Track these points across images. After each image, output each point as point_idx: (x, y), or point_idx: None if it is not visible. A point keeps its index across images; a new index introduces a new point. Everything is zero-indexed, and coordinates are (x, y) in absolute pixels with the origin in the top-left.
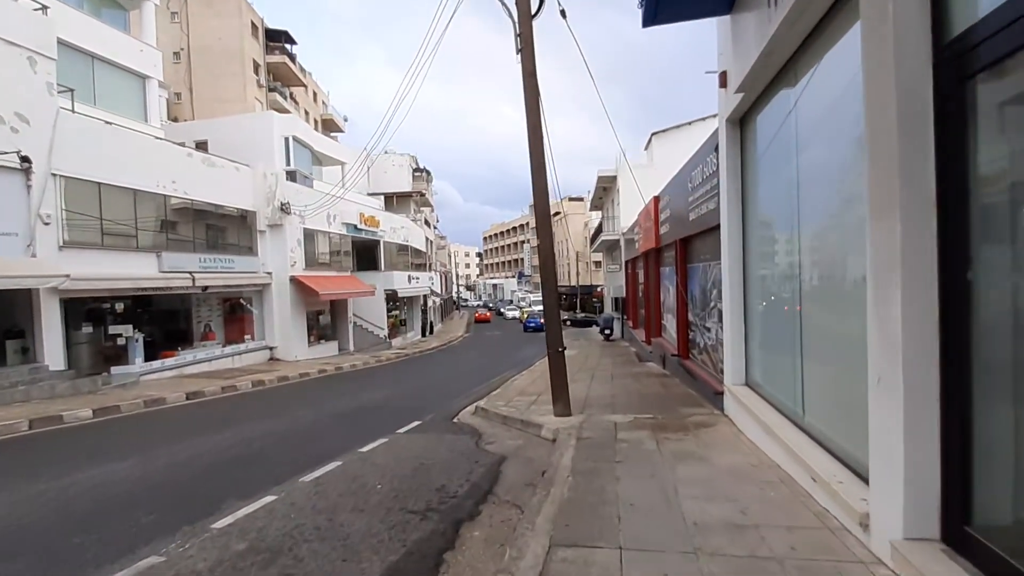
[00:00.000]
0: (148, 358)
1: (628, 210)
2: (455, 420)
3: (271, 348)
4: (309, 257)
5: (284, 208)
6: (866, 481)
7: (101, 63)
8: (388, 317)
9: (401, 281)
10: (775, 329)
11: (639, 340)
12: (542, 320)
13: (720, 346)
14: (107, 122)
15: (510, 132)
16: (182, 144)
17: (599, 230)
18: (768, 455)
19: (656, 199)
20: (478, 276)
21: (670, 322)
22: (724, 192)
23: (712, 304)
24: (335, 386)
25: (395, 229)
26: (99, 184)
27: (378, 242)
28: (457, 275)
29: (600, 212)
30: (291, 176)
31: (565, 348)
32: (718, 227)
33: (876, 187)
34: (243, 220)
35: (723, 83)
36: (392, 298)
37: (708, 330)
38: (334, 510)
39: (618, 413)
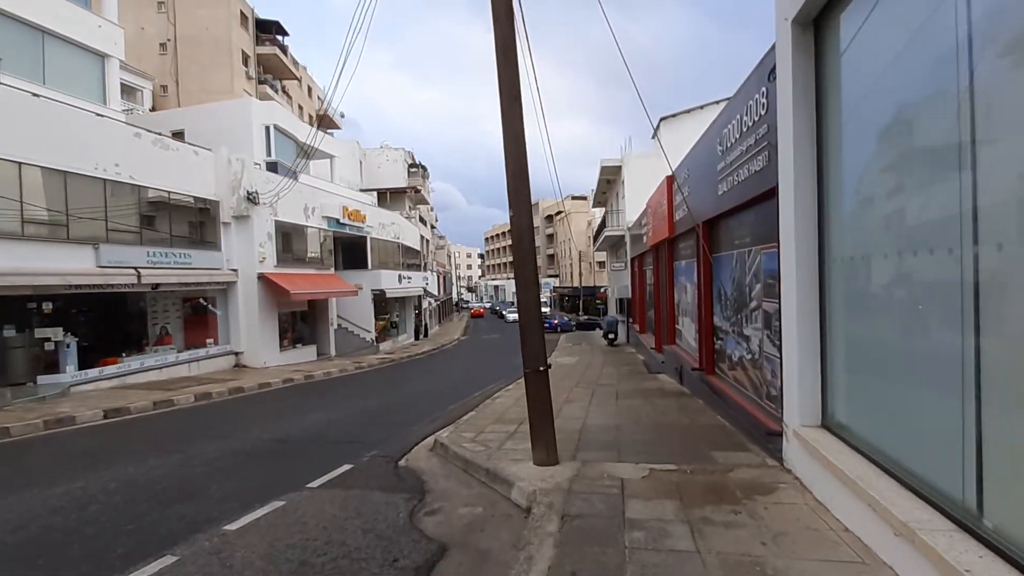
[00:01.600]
0: (86, 365)
1: (634, 203)
2: (401, 463)
3: (237, 353)
4: (283, 253)
5: (251, 198)
6: None
7: (53, 39)
8: (378, 320)
9: (390, 281)
10: (900, 345)
11: (648, 347)
12: (555, 320)
13: (768, 362)
14: (34, 94)
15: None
16: (159, 134)
17: (602, 225)
18: (895, 568)
19: (670, 179)
20: (480, 277)
21: (688, 327)
22: (788, 135)
23: (753, 304)
24: (287, 401)
25: (384, 225)
26: (19, 164)
27: (365, 238)
28: (458, 276)
29: (603, 209)
30: (272, 167)
31: (550, 365)
32: (766, 196)
33: None
34: (204, 211)
35: None
36: (380, 299)
37: (746, 339)
38: None
39: (626, 460)
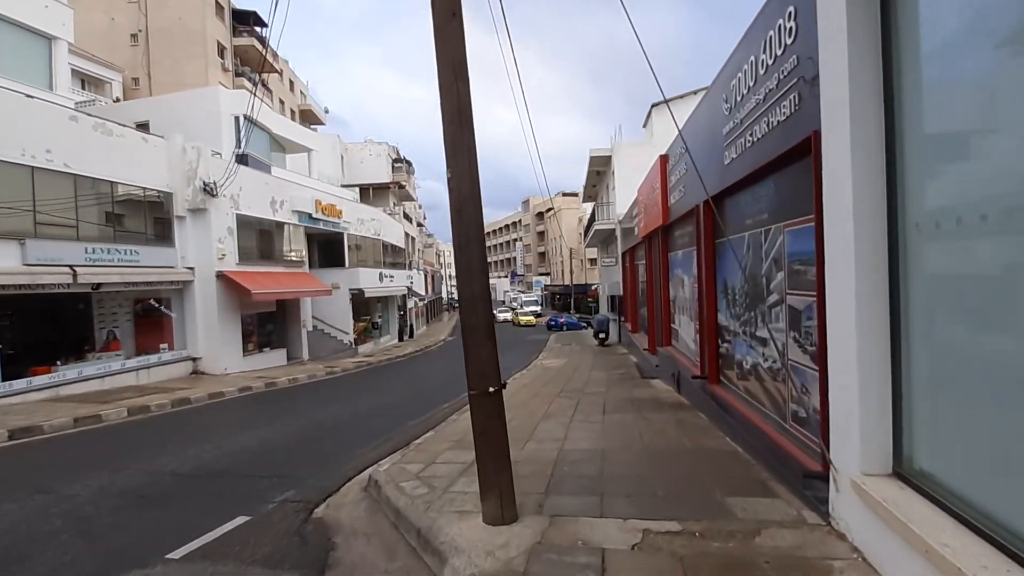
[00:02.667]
0: (14, 375)
1: (624, 195)
2: (319, 511)
3: (194, 359)
4: (247, 250)
5: (208, 189)
6: None
7: None
8: (358, 321)
9: (370, 279)
10: None
11: (640, 348)
12: (562, 319)
13: (795, 374)
14: None
15: (505, 133)
16: (103, 119)
17: (592, 219)
18: None
19: (663, 158)
20: None
21: (685, 327)
22: (838, 49)
23: (773, 298)
24: (230, 415)
25: (363, 221)
26: None
27: (342, 235)
28: (449, 276)
29: (594, 204)
30: (242, 160)
31: (504, 384)
32: (793, 153)
33: None
34: (156, 204)
35: None
36: (359, 299)
37: (761, 342)
38: None
39: (611, 511)
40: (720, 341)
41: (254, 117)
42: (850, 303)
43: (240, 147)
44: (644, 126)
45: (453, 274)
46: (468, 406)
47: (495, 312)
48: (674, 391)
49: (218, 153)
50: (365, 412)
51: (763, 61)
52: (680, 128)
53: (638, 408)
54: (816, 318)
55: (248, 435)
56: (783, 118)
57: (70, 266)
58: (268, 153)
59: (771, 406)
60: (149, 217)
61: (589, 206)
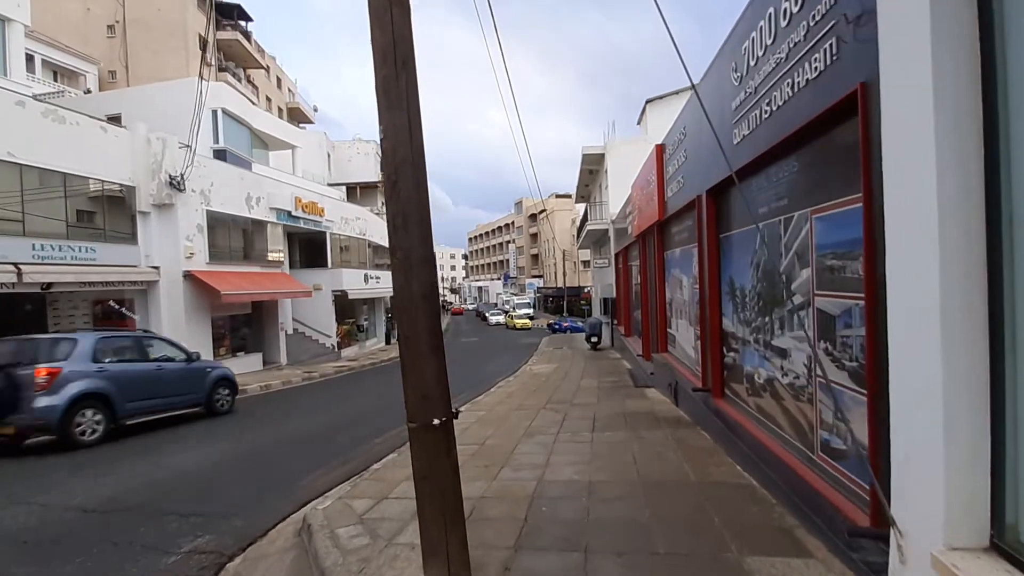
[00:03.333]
0: None
1: (618, 193)
2: (233, 564)
3: None
4: (219, 249)
5: (175, 183)
6: None
7: None
8: (342, 323)
9: (354, 280)
10: None
11: (634, 353)
12: (565, 324)
13: (827, 395)
14: None
15: (499, 136)
16: (81, 114)
17: (585, 219)
18: None
19: (660, 148)
20: (464, 279)
21: (684, 333)
22: None
23: (796, 300)
24: (177, 430)
25: (348, 220)
26: None
27: (324, 234)
28: (443, 278)
29: (587, 204)
30: (220, 155)
31: (457, 413)
32: (828, 118)
33: None
34: (116, 198)
35: None
36: (343, 300)
37: (780, 353)
38: None
39: None
40: (725, 349)
41: (233, 111)
42: (930, 308)
43: (218, 141)
44: (639, 123)
45: (446, 277)
46: None
47: (487, 315)
48: (671, 403)
49: (187, 145)
50: (330, 425)
51: (786, 10)
52: (694, 84)
53: (632, 424)
54: (865, 326)
55: (189, 455)
56: (814, 75)
57: (15, 264)
58: (249, 149)
59: (792, 431)
60: (109, 213)
61: (582, 207)
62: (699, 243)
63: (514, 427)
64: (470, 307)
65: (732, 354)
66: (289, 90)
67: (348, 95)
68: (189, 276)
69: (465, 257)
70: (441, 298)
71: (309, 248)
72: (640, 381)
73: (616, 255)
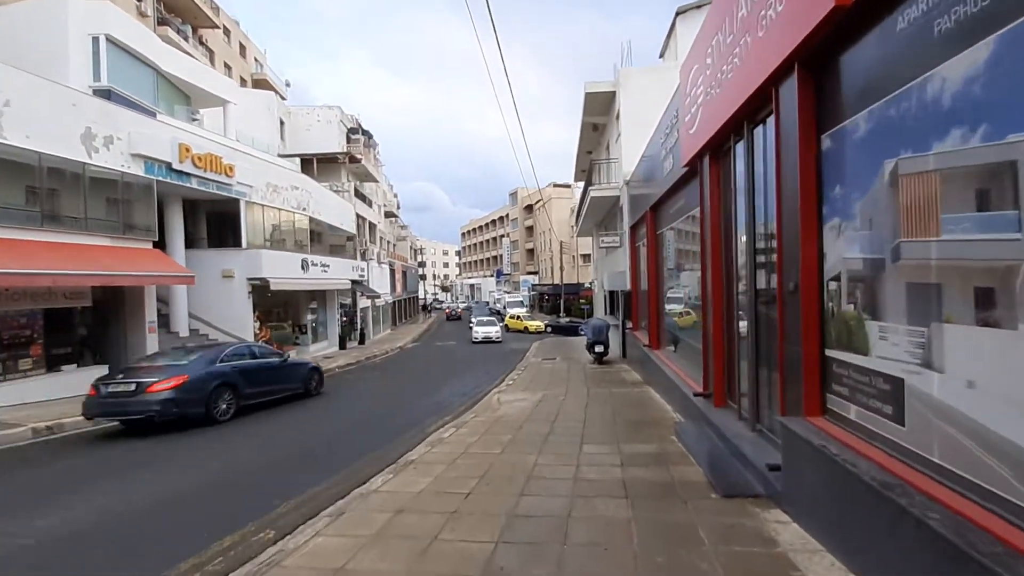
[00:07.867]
0: None
1: (634, 146)
2: None
3: None
4: (30, 207)
5: None
6: None
7: None
8: (267, 324)
9: (283, 267)
10: None
11: (671, 376)
12: (551, 325)
13: None
14: None
15: (497, 134)
16: None
17: (587, 185)
18: None
19: None
20: (457, 276)
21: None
22: None
23: None
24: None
25: (277, 188)
26: None
27: (238, 202)
28: (434, 276)
29: (589, 174)
30: (103, 94)
31: None
32: None
33: None
34: None
35: None
36: (265, 291)
37: None
38: None
39: None
40: None
41: (125, 42)
42: None
43: (99, 79)
44: (661, 55)
45: (438, 274)
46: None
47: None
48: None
49: (104, 95)
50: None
51: None
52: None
53: None
54: None
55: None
56: None
57: None
58: (154, 97)
59: None
60: None
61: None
62: None
63: None
64: (462, 306)
65: None
66: (256, 59)
67: (345, 94)
68: None
69: (458, 254)
70: (433, 297)
71: (220, 222)
72: (694, 446)
73: (631, 229)
